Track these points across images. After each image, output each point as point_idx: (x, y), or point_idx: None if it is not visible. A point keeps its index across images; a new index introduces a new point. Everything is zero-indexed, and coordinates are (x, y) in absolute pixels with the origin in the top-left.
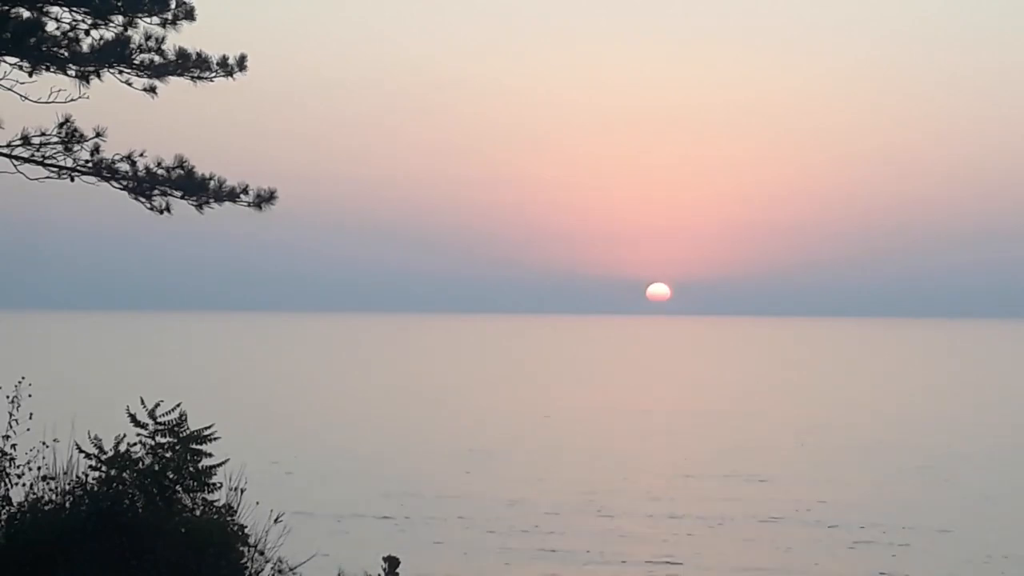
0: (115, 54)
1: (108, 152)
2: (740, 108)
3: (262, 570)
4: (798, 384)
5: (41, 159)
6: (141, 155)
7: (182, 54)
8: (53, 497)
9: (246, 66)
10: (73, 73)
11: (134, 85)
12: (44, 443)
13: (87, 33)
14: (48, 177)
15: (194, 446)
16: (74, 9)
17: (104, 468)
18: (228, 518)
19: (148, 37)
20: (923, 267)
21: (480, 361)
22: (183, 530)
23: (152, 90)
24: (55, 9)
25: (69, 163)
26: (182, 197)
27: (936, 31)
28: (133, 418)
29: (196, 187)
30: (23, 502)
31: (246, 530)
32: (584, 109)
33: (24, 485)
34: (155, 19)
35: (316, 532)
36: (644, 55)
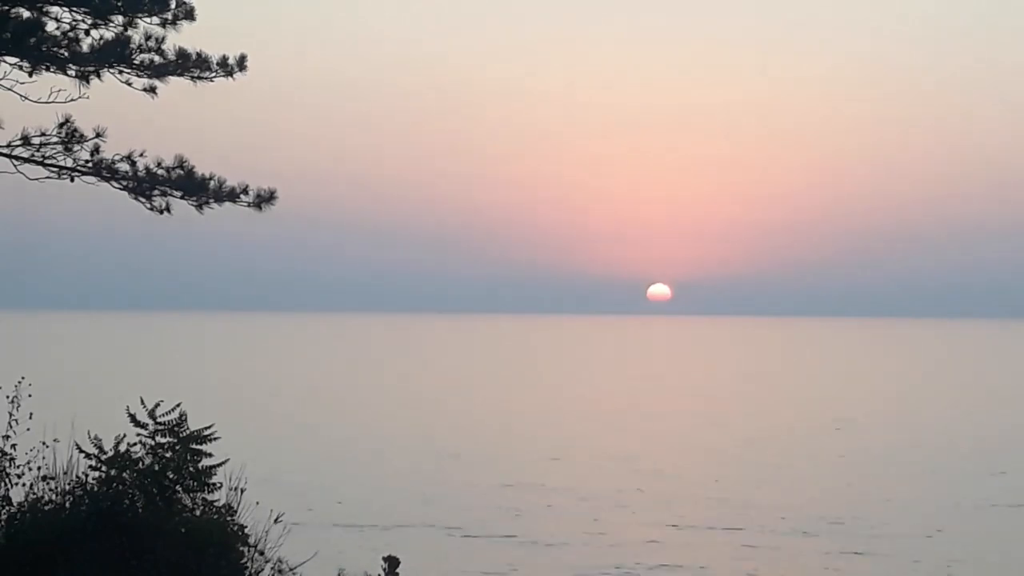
0: (115, 54)
1: (108, 152)
2: (741, 108)
3: (262, 570)
4: (800, 385)
5: (41, 159)
6: (141, 155)
7: (182, 54)
8: (53, 497)
9: (246, 66)
10: (73, 73)
11: (134, 85)
12: (44, 443)
13: (87, 33)
14: (48, 177)
15: (194, 446)
16: (74, 9)
17: (104, 468)
18: (228, 518)
19: (148, 37)
20: (923, 267)
21: (480, 361)
22: (183, 530)
23: (152, 90)
24: (55, 9)
25: (69, 163)
26: (182, 197)
27: (936, 31)
28: (133, 418)
29: (196, 187)
30: (23, 502)
31: (246, 530)
32: (585, 109)
33: (24, 485)
34: (155, 19)
35: (316, 532)
36: (645, 56)
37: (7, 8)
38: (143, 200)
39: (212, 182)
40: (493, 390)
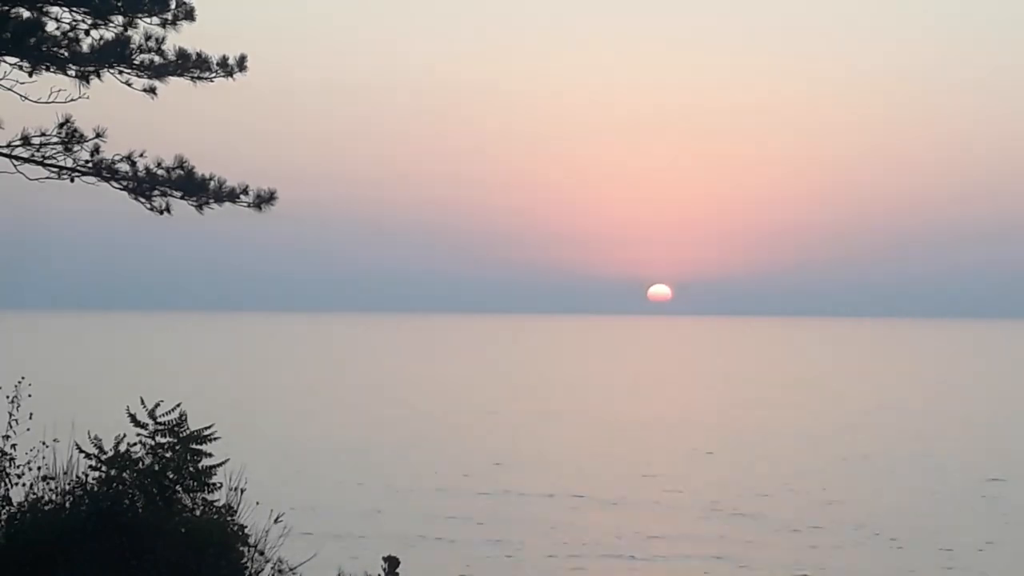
0: (115, 54)
1: (108, 152)
2: (741, 109)
3: (262, 570)
4: (802, 385)
5: (41, 159)
6: (141, 155)
7: (182, 54)
8: (53, 497)
9: (246, 66)
10: (73, 73)
11: (134, 85)
12: (44, 443)
13: (87, 33)
14: (48, 177)
15: (194, 446)
16: (74, 9)
17: (104, 468)
18: (228, 518)
19: (148, 37)
20: (923, 267)
21: (481, 361)
22: (183, 530)
23: (152, 90)
24: (55, 9)
25: (69, 163)
26: (182, 197)
27: (936, 30)
28: (133, 418)
29: (196, 187)
30: (23, 502)
31: (246, 530)
32: (585, 111)
33: (24, 485)
34: (155, 19)
35: (316, 532)
36: (645, 57)
37: (7, 8)
38: (143, 200)
39: (212, 182)
40: (493, 390)
